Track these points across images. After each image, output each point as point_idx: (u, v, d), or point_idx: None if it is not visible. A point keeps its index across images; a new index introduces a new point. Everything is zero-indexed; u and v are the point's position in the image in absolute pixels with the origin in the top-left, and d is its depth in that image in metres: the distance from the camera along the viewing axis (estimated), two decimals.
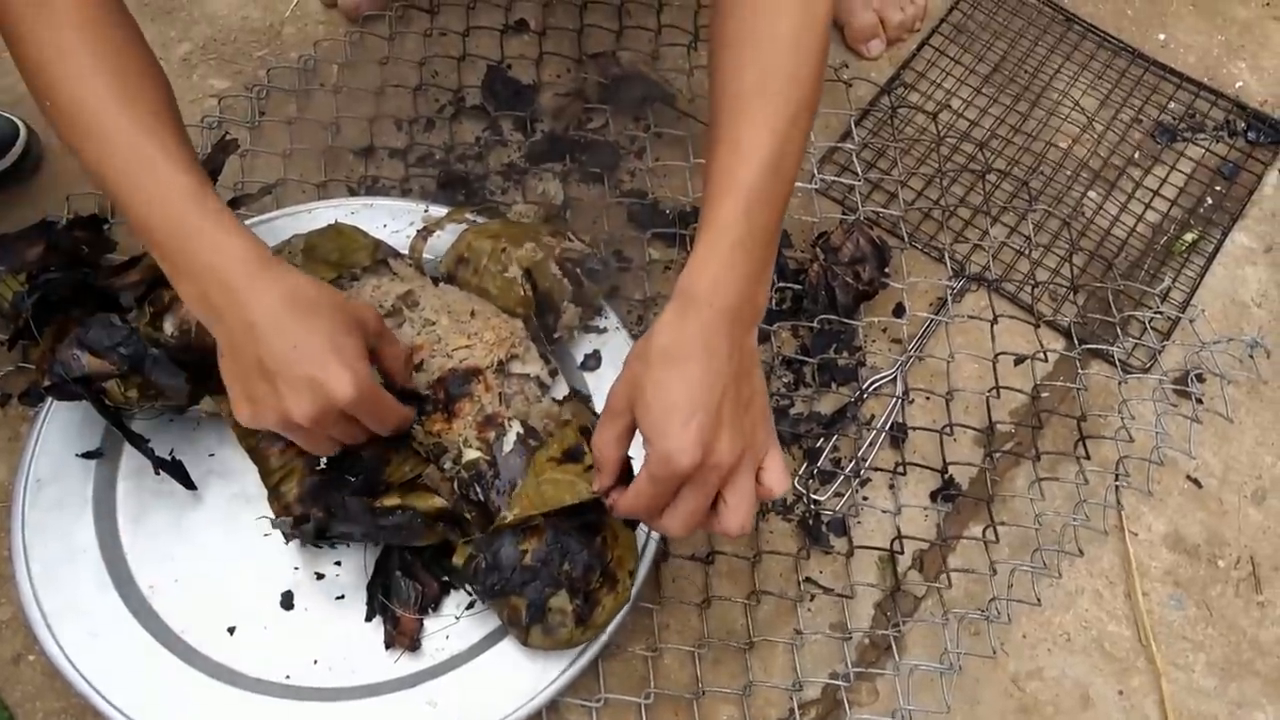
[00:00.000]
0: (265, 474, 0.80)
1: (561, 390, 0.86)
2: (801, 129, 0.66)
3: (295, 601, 0.78)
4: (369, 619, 0.77)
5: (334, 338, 0.66)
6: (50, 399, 0.82)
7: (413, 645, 0.76)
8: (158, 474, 0.79)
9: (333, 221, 0.89)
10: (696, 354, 0.61)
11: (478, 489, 0.74)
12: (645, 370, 0.62)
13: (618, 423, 0.64)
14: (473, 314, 0.82)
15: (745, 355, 0.63)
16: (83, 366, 0.77)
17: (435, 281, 0.86)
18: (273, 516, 0.75)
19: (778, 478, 0.64)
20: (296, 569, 0.79)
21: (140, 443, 0.78)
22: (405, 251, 0.89)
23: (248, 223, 0.91)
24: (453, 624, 0.77)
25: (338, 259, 0.85)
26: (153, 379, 0.78)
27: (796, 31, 0.65)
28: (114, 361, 0.77)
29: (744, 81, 0.65)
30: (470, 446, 0.75)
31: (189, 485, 0.80)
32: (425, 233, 0.90)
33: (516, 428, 0.76)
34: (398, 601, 0.76)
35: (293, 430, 0.67)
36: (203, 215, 0.65)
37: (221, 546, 0.79)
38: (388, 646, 0.76)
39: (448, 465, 0.77)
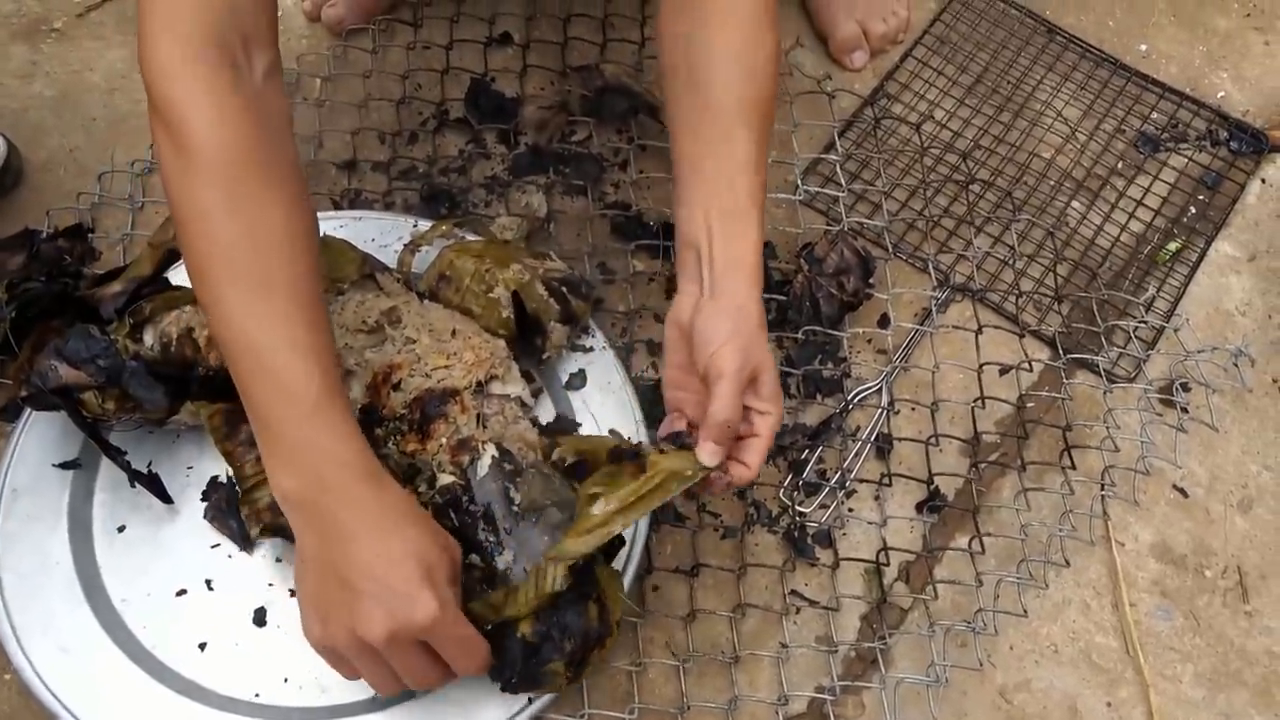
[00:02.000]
0: (240, 479, 0.79)
1: (547, 411, 0.85)
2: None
3: (268, 618, 0.76)
4: None
5: (425, 557, 0.63)
6: (27, 409, 0.81)
7: None
8: (134, 487, 0.78)
9: (321, 235, 0.89)
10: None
11: (453, 515, 0.73)
12: (758, 338, 0.70)
13: (744, 387, 0.70)
14: (454, 333, 0.81)
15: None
16: (60, 377, 0.76)
17: (421, 297, 0.86)
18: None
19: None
20: (271, 585, 0.77)
21: (117, 455, 0.77)
22: (393, 266, 0.89)
23: None
24: None
25: (325, 272, 0.84)
26: (131, 391, 0.77)
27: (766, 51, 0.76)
28: (92, 373, 0.76)
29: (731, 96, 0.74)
30: (444, 471, 0.75)
31: (165, 499, 0.79)
32: (413, 247, 0.90)
33: (491, 451, 0.75)
34: None
35: (362, 654, 0.63)
36: (318, 415, 0.62)
37: (196, 560, 0.78)
38: None
39: (422, 488, 0.76)
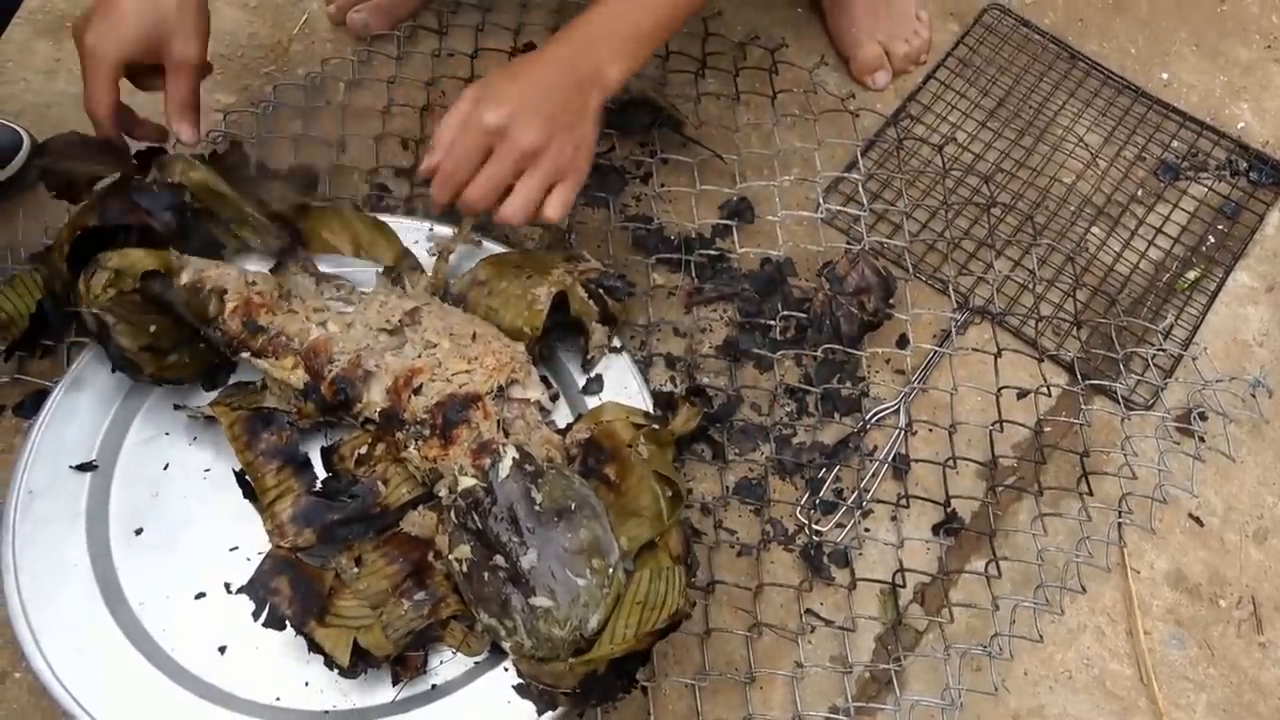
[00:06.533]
0: (261, 491, 0.79)
1: (564, 416, 0.85)
2: None
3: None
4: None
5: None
6: (45, 410, 0.81)
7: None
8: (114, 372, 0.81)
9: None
10: (539, 65, 0.79)
11: (475, 517, 0.73)
12: (502, 68, 0.83)
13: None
14: (474, 337, 0.81)
15: (577, 101, 0.78)
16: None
17: (445, 300, 0.86)
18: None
19: (555, 200, 0.79)
20: None
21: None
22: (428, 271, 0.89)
23: None
24: (450, 658, 0.75)
25: (354, 245, 0.90)
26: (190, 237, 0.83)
27: None
28: (163, 223, 0.81)
29: None
30: (465, 474, 0.75)
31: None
32: (445, 255, 0.90)
33: (511, 453, 0.75)
34: None
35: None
36: None
37: (215, 563, 0.78)
38: (395, 683, 0.74)
39: (444, 493, 0.76)
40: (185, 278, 0.79)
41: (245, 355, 0.80)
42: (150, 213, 0.81)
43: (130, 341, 0.78)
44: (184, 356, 0.82)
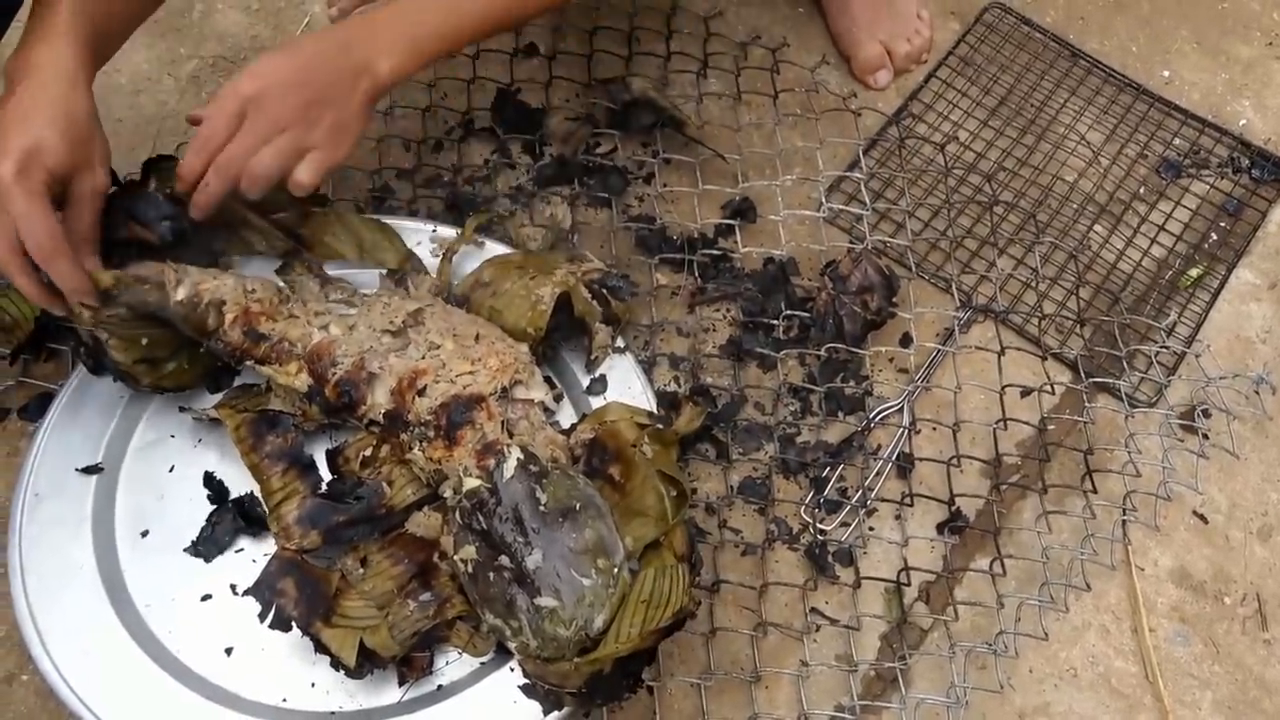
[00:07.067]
0: (267, 494, 0.79)
1: (568, 416, 0.85)
2: None
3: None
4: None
5: (39, 138, 0.70)
6: (50, 414, 0.81)
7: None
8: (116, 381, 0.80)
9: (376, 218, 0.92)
10: (310, 43, 0.80)
11: (480, 518, 0.73)
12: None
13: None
14: (477, 338, 0.81)
15: (344, 84, 0.77)
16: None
17: (448, 301, 0.86)
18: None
19: (306, 168, 0.77)
20: None
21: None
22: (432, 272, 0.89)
23: None
24: (456, 659, 0.76)
25: (367, 249, 0.89)
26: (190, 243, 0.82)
27: None
28: (160, 233, 0.80)
29: None
30: (470, 475, 0.75)
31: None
32: (449, 255, 0.90)
33: (516, 454, 0.75)
34: None
35: None
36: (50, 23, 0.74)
37: (221, 565, 0.78)
38: (401, 684, 0.74)
39: (448, 494, 0.76)
40: (181, 293, 0.78)
41: (249, 363, 0.81)
42: (147, 224, 0.80)
43: (124, 356, 0.78)
44: (182, 363, 0.82)
